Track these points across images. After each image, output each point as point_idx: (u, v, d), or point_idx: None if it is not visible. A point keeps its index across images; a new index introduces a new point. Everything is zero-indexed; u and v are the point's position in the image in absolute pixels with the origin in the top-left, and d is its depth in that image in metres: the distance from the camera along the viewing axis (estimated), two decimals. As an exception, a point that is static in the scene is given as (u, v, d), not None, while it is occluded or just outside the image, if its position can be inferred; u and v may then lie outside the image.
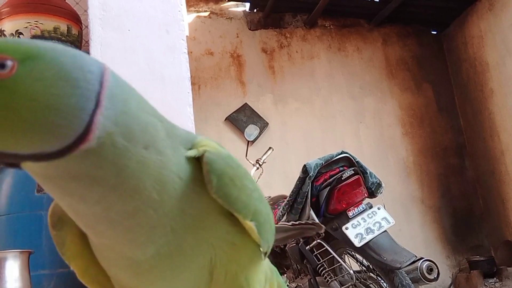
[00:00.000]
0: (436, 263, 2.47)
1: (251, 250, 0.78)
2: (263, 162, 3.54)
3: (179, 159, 0.67)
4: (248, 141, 5.24)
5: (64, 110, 0.54)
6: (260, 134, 5.37)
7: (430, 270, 2.43)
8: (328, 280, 2.72)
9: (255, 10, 5.90)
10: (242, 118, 5.43)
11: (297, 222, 1.22)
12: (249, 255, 0.78)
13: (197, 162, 0.70)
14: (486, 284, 4.88)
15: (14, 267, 1.60)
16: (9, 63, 0.53)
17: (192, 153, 0.69)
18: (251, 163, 3.56)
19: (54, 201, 0.76)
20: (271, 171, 4.16)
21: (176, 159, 0.67)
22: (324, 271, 2.73)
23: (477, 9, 5.53)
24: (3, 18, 2.38)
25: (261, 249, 0.78)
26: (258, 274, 0.81)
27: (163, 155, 0.64)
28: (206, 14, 5.76)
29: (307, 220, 2.62)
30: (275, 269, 0.99)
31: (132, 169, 0.60)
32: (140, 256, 0.69)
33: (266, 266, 0.91)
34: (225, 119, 5.41)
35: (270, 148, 3.66)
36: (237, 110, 5.46)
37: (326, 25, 6.01)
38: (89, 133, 0.56)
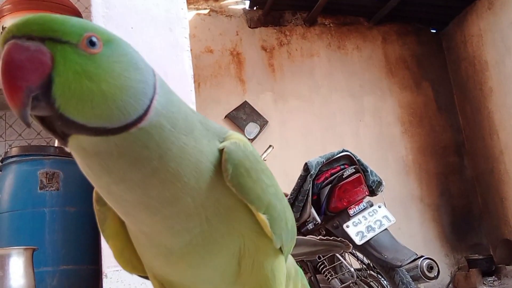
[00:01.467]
0: (436, 261, 2.47)
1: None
2: (263, 160, 3.54)
3: (214, 150, 0.71)
4: (248, 139, 5.24)
5: (134, 92, 0.60)
6: (260, 132, 5.38)
7: (430, 268, 2.43)
8: (328, 278, 2.72)
9: (254, 8, 5.90)
10: (242, 116, 5.43)
11: (325, 238, 1.22)
12: (275, 247, 0.80)
13: None
14: (484, 282, 4.90)
15: (18, 263, 1.60)
16: (98, 42, 0.59)
17: (227, 144, 0.72)
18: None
19: None
20: (271, 169, 4.13)
21: (211, 149, 0.70)
22: (324, 269, 2.73)
23: (477, 8, 5.53)
24: (4, 15, 2.39)
25: (273, 244, 0.79)
26: (283, 267, 0.82)
27: (200, 144, 0.68)
28: (206, 11, 5.76)
29: (308, 218, 2.63)
30: (300, 270, 1.00)
31: (174, 154, 0.64)
32: (175, 244, 0.72)
33: (290, 264, 0.93)
34: (225, 117, 5.41)
35: (270, 146, 3.66)
36: (237, 108, 5.46)
37: (326, 23, 6.01)
38: (146, 115, 0.62)
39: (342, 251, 1.31)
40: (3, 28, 2.39)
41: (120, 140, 0.60)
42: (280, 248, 0.81)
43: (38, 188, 1.99)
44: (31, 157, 2.09)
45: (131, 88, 0.60)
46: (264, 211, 0.75)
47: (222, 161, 0.70)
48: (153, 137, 0.62)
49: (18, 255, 1.61)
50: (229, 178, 0.70)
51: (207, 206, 0.69)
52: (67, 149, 0.63)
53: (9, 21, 2.37)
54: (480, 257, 5.13)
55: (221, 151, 0.71)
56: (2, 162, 2.19)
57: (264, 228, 0.76)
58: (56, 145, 2.25)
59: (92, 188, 0.73)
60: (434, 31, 6.26)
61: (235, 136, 0.75)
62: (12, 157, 2.12)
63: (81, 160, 0.63)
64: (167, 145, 0.63)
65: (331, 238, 1.22)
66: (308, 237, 1.22)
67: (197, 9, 5.72)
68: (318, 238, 1.22)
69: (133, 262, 0.84)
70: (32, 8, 2.39)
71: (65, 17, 0.59)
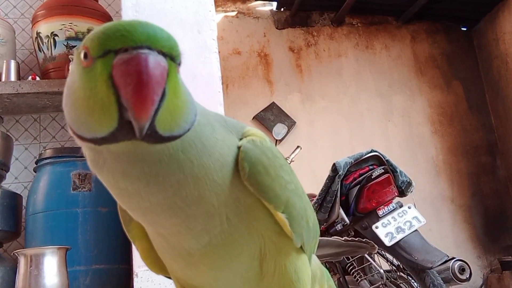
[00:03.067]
0: (468, 263, 2.43)
1: None
2: (291, 161, 3.55)
3: (234, 146, 0.71)
4: (276, 140, 5.26)
5: (191, 104, 0.63)
6: (288, 133, 5.38)
7: (462, 270, 2.39)
8: (357, 279, 2.71)
9: (282, 9, 5.91)
10: (270, 117, 5.44)
11: (350, 239, 1.21)
12: (296, 247, 0.78)
13: None
14: (518, 285, 4.79)
15: (52, 262, 1.65)
16: (180, 61, 0.62)
17: (243, 142, 0.72)
18: (279, 161, 3.56)
19: None
20: (299, 169, 4.13)
21: (232, 145, 0.70)
22: (353, 270, 2.72)
23: (509, 4, 5.41)
24: (39, 21, 2.44)
25: (294, 243, 0.77)
26: (307, 268, 0.81)
27: (224, 139, 0.69)
28: (234, 13, 5.79)
29: (336, 219, 2.62)
30: (326, 271, 0.98)
31: (208, 149, 0.65)
32: (193, 245, 0.71)
33: (315, 265, 0.91)
34: (253, 118, 5.43)
35: (298, 147, 3.66)
36: (264, 109, 5.47)
37: (354, 23, 5.98)
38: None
39: (367, 252, 1.29)
40: (37, 33, 2.45)
41: (177, 144, 0.62)
42: (303, 248, 0.79)
43: (71, 189, 2.03)
44: (64, 159, 2.13)
45: (189, 101, 0.63)
46: (283, 210, 0.73)
47: (239, 159, 0.70)
48: (198, 135, 0.64)
49: (52, 254, 1.66)
50: (246, 177, 0.69)
51: (228, 205, 0.69)
52: (100, 150, 0.62)
53: (44, 26, 2.42)
54: (514, 259, 5.02)
55: (239, 148, 0.71)
56: (36, 164, 2.24)
57: (283, 228, 0.74)
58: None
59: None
60: (465, 29, 6.15)
61: (252, 132, 0.74)
62: (46, 158, 2.17)
63: (117, 165, 0.62)
64: (206, 141, 0.65)
65: (356, 239, 1.21)
66: (333, 238, 1.21)
67: (225, 11, 5.76)
68: (343, 239, 1.20)
69: (160, 263, 0.84)
70: (65, 14, 2.44)
71: (171, 35, 0.61)
